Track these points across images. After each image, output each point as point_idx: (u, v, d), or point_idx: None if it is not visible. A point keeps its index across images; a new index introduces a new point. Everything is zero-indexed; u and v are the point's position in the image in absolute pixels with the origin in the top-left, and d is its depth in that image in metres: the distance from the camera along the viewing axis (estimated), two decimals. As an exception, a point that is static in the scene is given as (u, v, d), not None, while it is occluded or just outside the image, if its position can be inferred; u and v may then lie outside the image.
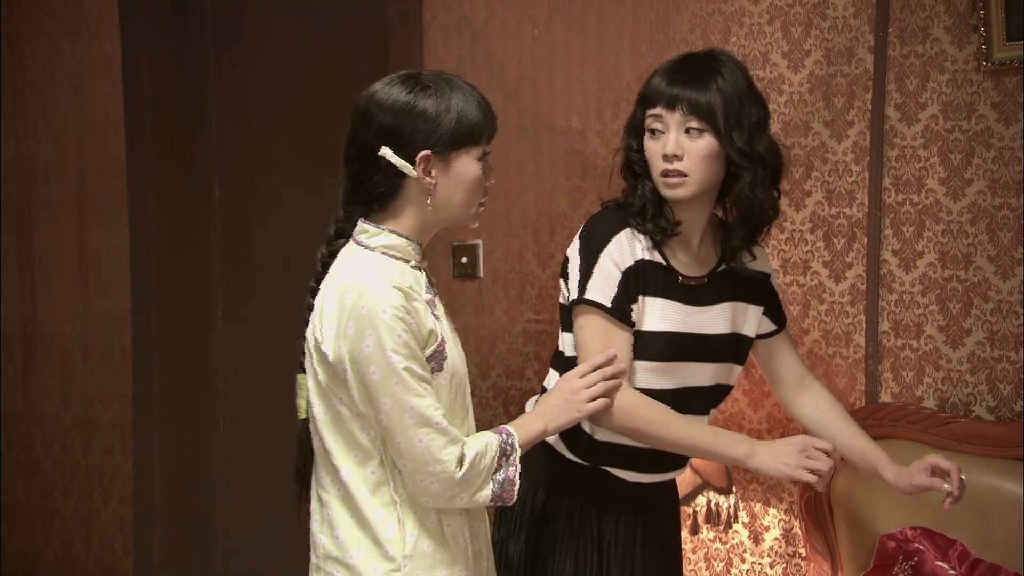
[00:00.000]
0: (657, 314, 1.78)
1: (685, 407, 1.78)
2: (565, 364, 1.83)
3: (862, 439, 1.81)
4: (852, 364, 2.15)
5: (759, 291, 1.86)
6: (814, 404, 1.88)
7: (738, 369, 1.88)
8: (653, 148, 1.74)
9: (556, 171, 2.47)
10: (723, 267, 1.82)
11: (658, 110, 1.73)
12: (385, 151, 1.58)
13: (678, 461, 1.86)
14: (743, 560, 2.27)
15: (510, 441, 1.60)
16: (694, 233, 1.80)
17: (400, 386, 1.52)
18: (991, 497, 1.93)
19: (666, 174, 1.72)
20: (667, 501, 1.90)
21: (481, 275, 2.59)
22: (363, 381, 1.53)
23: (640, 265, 1.76)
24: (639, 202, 1.77)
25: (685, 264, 1.80)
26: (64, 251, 3.20)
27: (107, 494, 3.18)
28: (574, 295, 1.78)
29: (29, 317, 3.26)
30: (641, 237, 1.78)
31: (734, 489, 2.12)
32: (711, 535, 2.28)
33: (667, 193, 1.74)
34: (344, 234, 1.67)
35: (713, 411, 1.88)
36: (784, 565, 2.23)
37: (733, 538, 2.27)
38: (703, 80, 1.71)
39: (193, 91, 3.06)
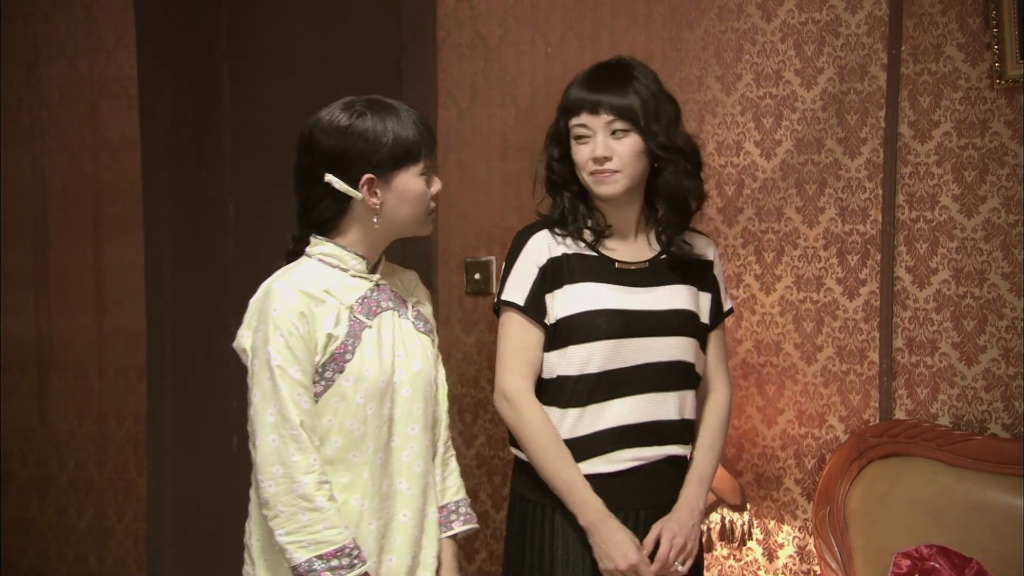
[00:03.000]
0: (588, 296, 1.83)
1: (647, 384, 1.82)
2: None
3: (693, 475, 1.84)
4: (866, 381, 2.15)
5: (705, 278, 1.91)
6: (702, 413, 1.91)
7: (698, 348, 1.87)
8: (582, 152, 1.82)
9: (569, 188, 2.48)
10: (664, 256, 1.89)
11: (583, 118, 1.82)
12: (330, 177, 1.67)
13: (665, 432, 1.83)
14: (758, 578, 2.26)
15: (357, 559, 1.62)
16: (628, 226, 1.88)
17: (270, 383, 1.62)
18: (1006, 515, 1.92)
19: (596, 172, 1.81)
20: (669, 490, 1.85)
21: (494, 291, 2.59)
22: (249, 370, 1.65)
23: (561, 259, 1.84)
24: (557, 213, 1.87)
25: (622, 254, 1.87)
26: (79, 269, 3.22)
27: (121, 510, 3.19)
28: (496, 300, 1.88)
29: (44, 335, 3.28)
30: (566, 236, 1.86)
31: (748, 506, 2.12)
32: (725, 552, 2.27)
33: (600, 190, 1.83)
34: (300, 253, 1.77)
35: (686, 395, 1.85)
36: (799, 583, 2.23)
37: (747, 555, 2.26)
38: (621, 84, 1.81)
39: (207, 110, 3.08)
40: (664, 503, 1.83)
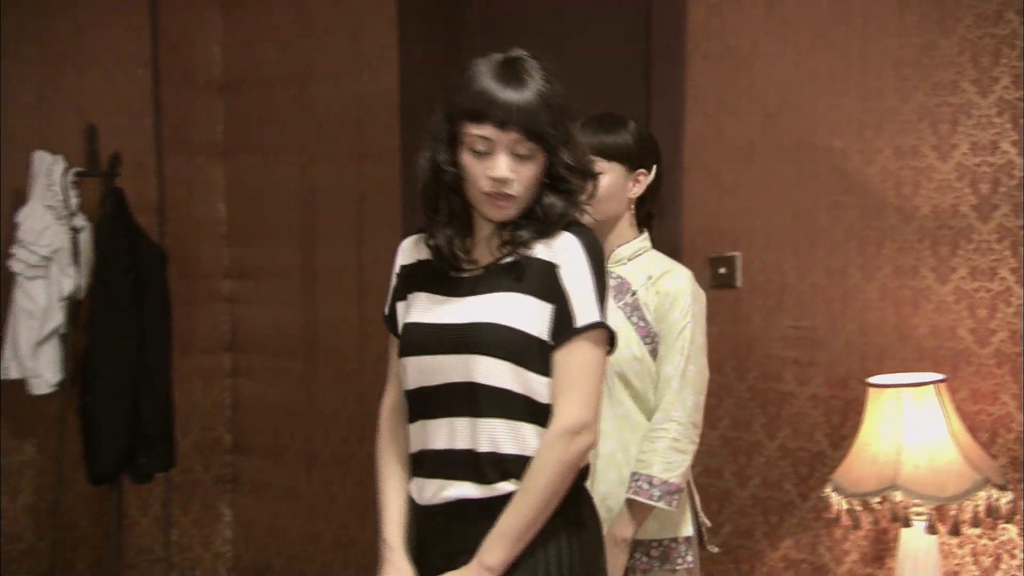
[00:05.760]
0: (414, 307, 1.71)
1: (451, 407, 1.64)
2: None
3: (493, 530, 1.60)
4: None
5: (549, 285, 1.63)
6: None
7: (518, 369, 1.61)
8: (477, 167, 1.61)
9: (816, 188, 2.63)
10: (507, 259, 1.66)
11: (487, 131, 1.59)
12: None
13: (469, 465, 1.62)
14: (1013, 556, 2.36)
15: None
16: (485, 229, 1.69)
17: None
18: None
19: (493, 195, 1.62)
20: (463, 536, 1.63)
21: (739, 285, 2.77)
22: None
23: (415, 267, 1.74)
24: (446, 217, 1.67)
25: (466, 258, 1.70)
26: (343, 265, 3.58)
27: (380, 482, 3.53)
28: None
29: (311, 324, 3.66)
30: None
31: (1008, 486, 2.23)
32: (978, 531, 2.38)
33: (492, 214, 1.64)
34: None
35: (503, 425, 1.61)
36: (1055, 563, 2.31)
37: (1002, 535, 2.36)
38: (531, 96, 1.59)
39: (460, 120, 3.39)
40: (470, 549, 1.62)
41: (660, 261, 2.17)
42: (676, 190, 2.84)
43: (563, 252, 1.63)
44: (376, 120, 3.45)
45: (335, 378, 3.61)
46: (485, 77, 1.61)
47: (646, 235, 2.22)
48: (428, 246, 1.70)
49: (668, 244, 2.85)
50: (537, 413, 1.62)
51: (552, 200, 1.64)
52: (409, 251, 1.77)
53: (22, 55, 3.29)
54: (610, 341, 1.67)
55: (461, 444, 1.63)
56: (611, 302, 1.74)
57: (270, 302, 3.76)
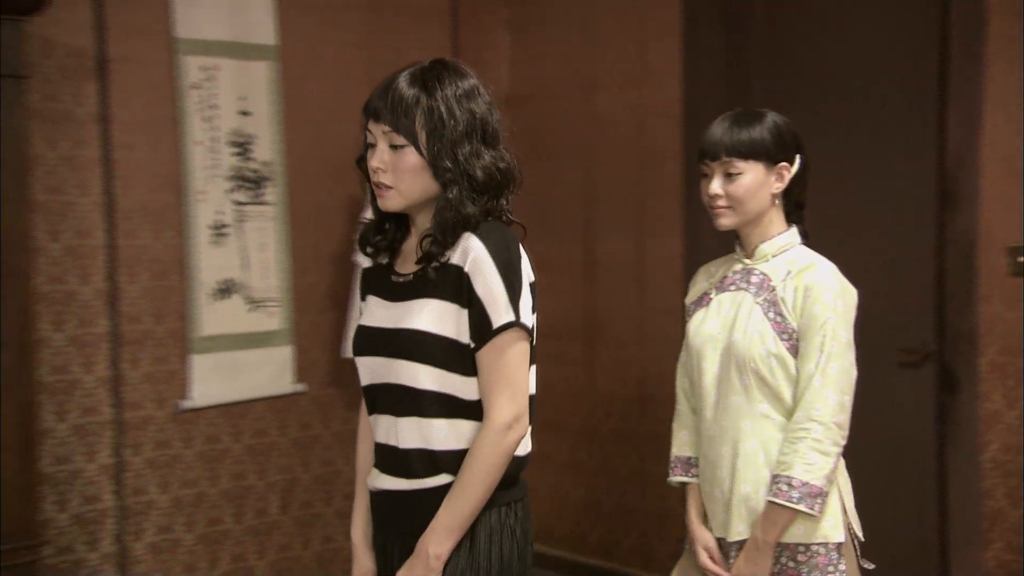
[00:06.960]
0: (366, 310, 1.85)
1: (388, 406, 1.78)
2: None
3: (433, 523, 1.73)
4: None
5: (460, 290, 1.70)
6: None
7: (439, 371, 1.72)
8: (370, 160, 1.76)
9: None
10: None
11: (369, 124, 1.74)
12: None
13: (403, 460, 1.77)
14: None
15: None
16: (415, 236, 1.81)
17: None
18: None
19: (376, 186, 1.76)
20: (410, 522, 1.77)
21: (1035, 272, 2.93)
22: None
23: (370, 270, 1.87)
24: (375, 222, 1.83)
25: (403, 263, 1.82)
26: (622, 258, 3.91)
27: (660, 457, 3.84)
28: None
29: (591, 312, 4.02)
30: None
31: None
32: None
33: (380, 205, 1.77)
34: None
35: (428, 423, 1.75)
36: None
37: None
38: (406, 93, 1.70)
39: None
40: (412, 535, 1.76)
41: (805, 255, 2.08)
42: (972, 185, 3.03)
43: (470, 257, 1.69)
44: (658, 126, 3.75)
45: (613, 361, 3.94)
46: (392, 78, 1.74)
47: (794, 230, 2.13)
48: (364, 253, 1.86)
49: (963, 236, 3.06)
50: (461, 410, 1.73)
51: (444, 201, 1.71)
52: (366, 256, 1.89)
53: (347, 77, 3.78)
54: (530, 332, 1.76)
55: (394, 440, 1.77)
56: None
57: (554, 292, 4.11)
